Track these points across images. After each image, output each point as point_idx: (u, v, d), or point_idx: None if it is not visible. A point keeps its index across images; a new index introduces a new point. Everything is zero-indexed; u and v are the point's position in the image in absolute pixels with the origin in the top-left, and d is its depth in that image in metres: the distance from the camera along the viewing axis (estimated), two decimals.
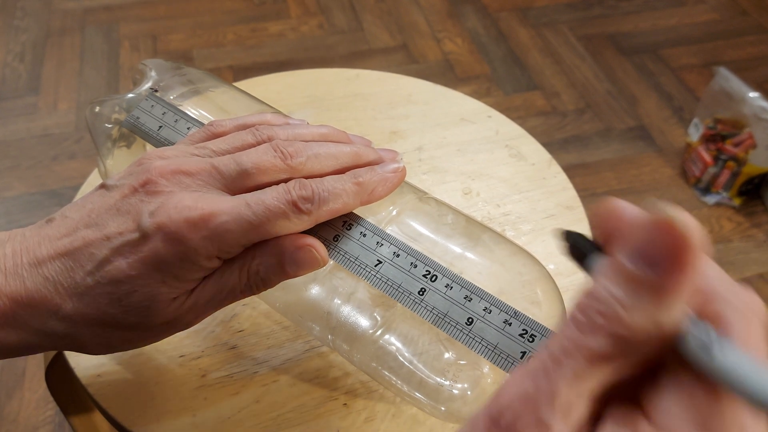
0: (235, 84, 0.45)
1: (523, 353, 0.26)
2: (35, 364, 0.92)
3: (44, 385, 0.89)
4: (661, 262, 0.16)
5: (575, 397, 0.16)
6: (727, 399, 0.16)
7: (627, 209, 0.18)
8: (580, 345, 0.16)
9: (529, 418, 0.16)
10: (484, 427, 0.17)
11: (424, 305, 0.28)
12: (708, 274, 0.18)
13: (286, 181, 0.29)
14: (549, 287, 0.31)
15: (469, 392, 0.30)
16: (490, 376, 0.30)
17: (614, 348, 0.16)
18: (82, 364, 0.37)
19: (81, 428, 0.49)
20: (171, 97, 0.37)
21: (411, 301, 0.28)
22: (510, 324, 0.27)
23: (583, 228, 0.47)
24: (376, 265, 0.29)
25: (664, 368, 0.17)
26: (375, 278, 0.29)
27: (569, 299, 0.31)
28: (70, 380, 0.38)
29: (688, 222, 0.15)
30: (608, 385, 0.17)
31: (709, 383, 0.16)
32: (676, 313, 0.16)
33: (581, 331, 0.16)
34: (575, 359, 0.16)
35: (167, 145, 0.34)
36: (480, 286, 0.28)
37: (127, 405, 0.36)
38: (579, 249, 0.20)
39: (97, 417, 0.50)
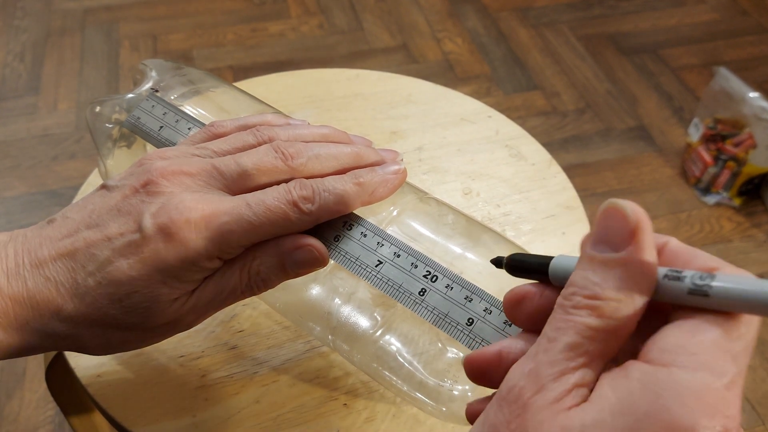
0: (235, 84, 0.45)
1: None
2: (35, 364, 0.92)
3: (44, 385, 0.89)
4: (619, 241, 0.19)
5: (572, 368, 0.19)
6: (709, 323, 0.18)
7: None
8: (569, 321, 0.19)
9: (532, 388, 0.19)
10: (498, 407, 0.19)
11: (425, 306, 0.28)
12: (673, 245, 0.21)
13: (286, 181, 0.29)
14: None
15: (469, 393, 0.30)
16: None
17: (598, 321, 0.19)
18: (82, 364, 0.37)
19: (81, 428, 0.49)
20: (171, 97, 0.37)
21: (412, 301, 0.28)
22: (510, 324, 0.27)
23: (584, 228, 0.47)
24: (376, 266, 0.29)
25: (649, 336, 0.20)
26: (376, 279, 0.29)
27: None
28: (70, 380, 0.38)
29: (630, 205, 0.19)
30: (602, 358, 0.19)
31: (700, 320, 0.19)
32: (652, 273, 0.19)
33: (568, 313, 0.19)
34: (567, 335, 0.19)
35: (168, 145, 0.34)
36: (480, 287, 0.28)
37: (127, 405, 0.36)
38: (519, 267, 0.24)
39: (97, 417, 0.50)
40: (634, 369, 0.18)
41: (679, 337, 0.18)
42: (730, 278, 0.18)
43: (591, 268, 0.20)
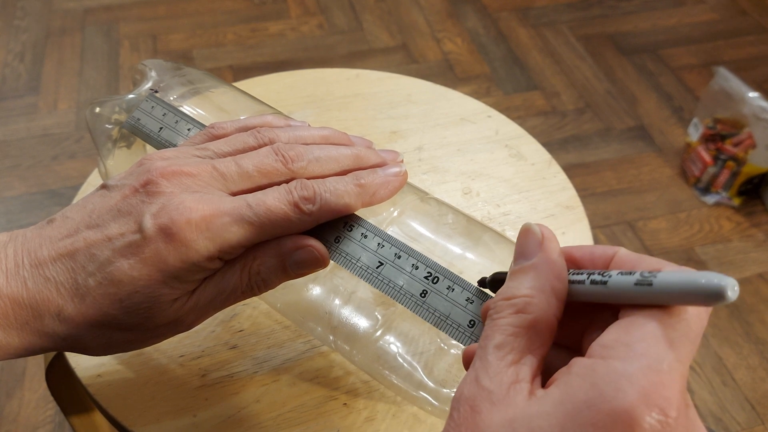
0: (235, 84, 0.46)
1: None
2: (35, 364, 0.92)
3: (44, 385, 0.89)
4: (530, 252, 0.23)
5: (504, 366, 0.21)
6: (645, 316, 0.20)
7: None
8: (494, 326, 0.22)
9: (476, 393, 0.21)
10: (449, 418, 0.21)
11: (426, 308, 0.28)
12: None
13: (287, 182, 0.29)
14: None
15: None
16: None
17: (515, 318, 0.22)
18: (82, 364, 0.37)
19: (81, 428, 0.49)
20: (171, 98, 0.37)
21: (413, 303, 0.28)
22: None
23: (583, 227, 0.47)
24: (377, 267, 0.29)
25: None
26: (376, 280, 0.29)
27: None
28: (70, 380, 0.38)
29: (538, 225, 0.24)
30: (531, 353, 0.22)
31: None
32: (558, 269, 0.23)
33: (492, 319, 0.22)
34: (493, 338, 0.22)
35: (168, 146, 0.34)
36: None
37: (127, 405, 0.36)
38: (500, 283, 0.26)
39: (97, 417, 0.50)
40: (575, 364, 0.20)
41: (618, 332, 0.20)
42: (672, 273, 0.20)
43: (511, 279, 0.23)
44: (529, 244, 0.24)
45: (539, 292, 0.22)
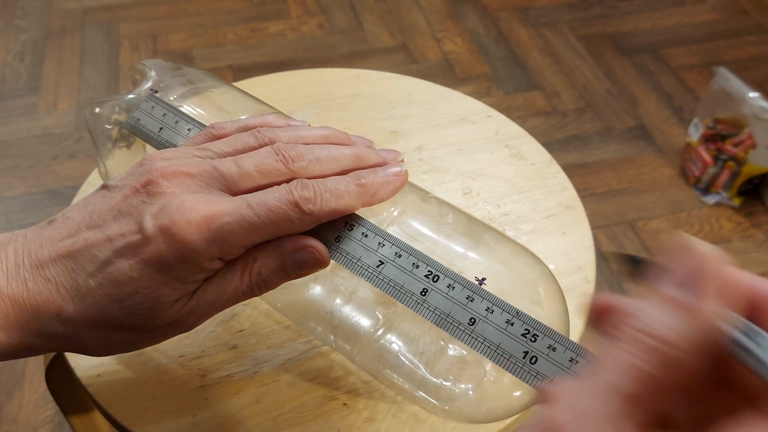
0: (235, 84, 0.45)
1: (525, 353, 0.26)
2: (35, 364, 0.92)
3: (44, 385, 0.89)
4: (685, 281, 0.18)
5: (627, 418, 0.17)
6: None
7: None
8: (617, 355, 0.17)
9: (574, 427, 0.17)
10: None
11: (427, 306, 0.28)
12: (754, 284, 0.19)
13: (287, 182, 0.29)
14: (551, 286, 0.31)
15: (471, 392, 0.30)
16: (492, 375, 0.30)
17: (646, 358, 0.17)
18: (82, 364, 0.37)
19: (81, 428, 0.49)
20: (171, 98, 0.37)
21: (413, 301, 0.28)
22: (512, 324, 0.27)
23: (584, 227, 0.47)
24: (378, 266, 0.29)
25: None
26: (377, 279, 0.29)
27: (570, 299, 0.31)
28: (70, 380, 0.38)
29: (702, 245, 0.18)
30: (663, 411, 0.17)
31: None
32: (715, 323, 0.17)
33: (631, 354, 0.17)
34: (628, 380, 0.17)
35: (168, 146, 0.34)
36: (482, 286, 0.28)
37: (127, 405, 0.36)
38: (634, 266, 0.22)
39: (97, 417, 0.50)
40: None
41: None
42: None
43: (655, 304, 0.18)
44: (689, 271, 0.18)
45: (690, 343, 0.17)
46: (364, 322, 0.32)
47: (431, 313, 0.28)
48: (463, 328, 0.27)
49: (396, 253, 0.29)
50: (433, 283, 0.28)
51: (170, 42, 1.45)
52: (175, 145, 0.34)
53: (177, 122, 0.35)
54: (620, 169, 1.22)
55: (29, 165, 1.19)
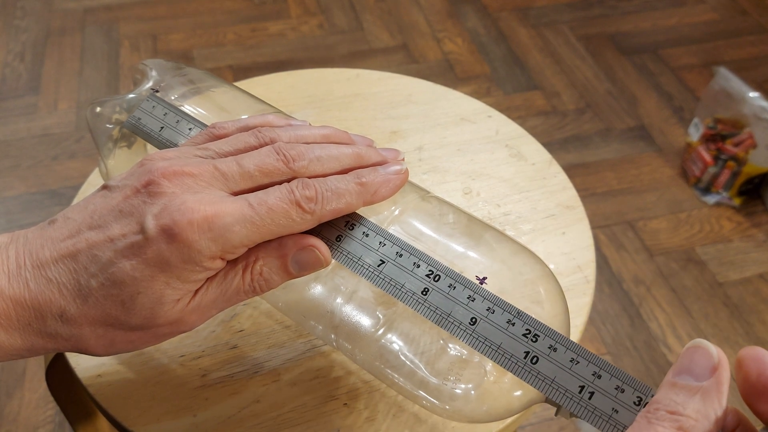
0: (236, 84, 0.45)
1: (527, 353, 0.26)
2: (35, 364, 0.92)
3: (44, 385, 0.89)
4: (701, 373, 0.23)
5: None
6: None
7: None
8: (652, 430, 0.22)
9: None
10: None
11: (428, 305, 0.28)
12: None
13: (288, 181, 0.29)
14: (551, 286, 0.31)
15: (472, 391, 0.30)
16: (492, 374, 0.30)
17: None
18: (83, 364, 0.37)
19: (81, 428, 0.49)
20: (172, 97, 0.37)
21: (414, 301, 0.28)
22: (513, 324, 0.27)
23: (584, 227, 0.47)
24: (378, 265, 0.29)
25: None
26: (378, 278, 0.29)
27: (570, 299, 0.31)
28: (70, 380, 0.38)
29: (714, 348, 0.23)
30: None
31: None
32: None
33: (650, 423, 0.22)
34: None
35: (169, 146, 0.34)
36: (483, 286, 0.28)
37: (127, 405, 0.36)
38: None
39: (98, 417, 0.50)
40: None
41: None
42: None
43: (674, 391, 0.23)
44: (700, 363, 0.23)
45: (704, 417, 0.22)
46: (365, 321, 0.32)
47: (432, 312, 0.28)
48: (464, 328, 0.27)
49: (397, 252, 0.29)
50: (434, 283, 0.28)
51: (170, 42, 1.45)
52: (176, 145, 0.34)
53: (178, 122, 0.35)
54: (620, 169, 1.22)
55: (29, 165, 1.19)
